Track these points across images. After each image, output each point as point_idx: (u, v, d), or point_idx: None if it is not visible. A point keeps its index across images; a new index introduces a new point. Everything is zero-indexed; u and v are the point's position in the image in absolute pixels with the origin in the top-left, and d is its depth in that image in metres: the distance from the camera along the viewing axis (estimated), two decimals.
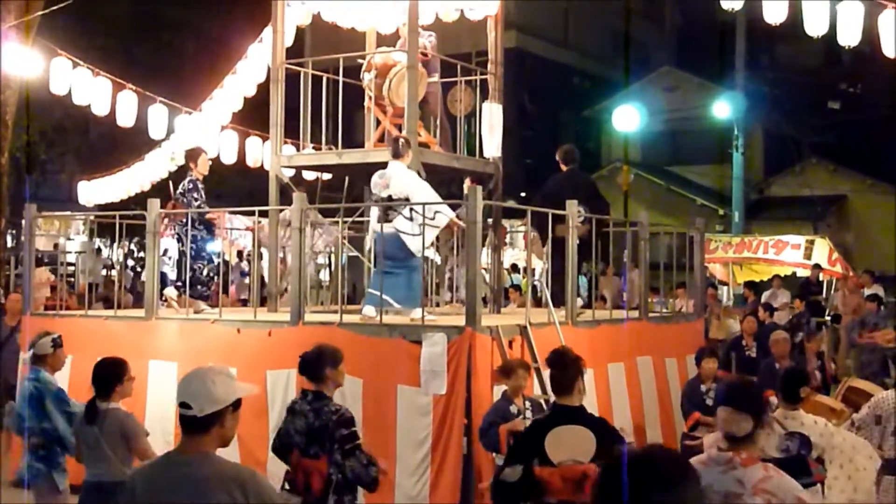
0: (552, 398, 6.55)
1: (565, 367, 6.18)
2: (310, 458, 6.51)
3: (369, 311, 9.89)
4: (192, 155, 11.94)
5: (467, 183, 11.84)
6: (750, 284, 20.74)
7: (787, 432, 6.71)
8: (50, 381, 7.98)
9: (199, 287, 11.51)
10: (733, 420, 4.44)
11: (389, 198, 9.94)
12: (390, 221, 9.90)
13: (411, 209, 9.75)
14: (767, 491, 4.19)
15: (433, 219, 9.77)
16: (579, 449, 5.98)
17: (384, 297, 9.67)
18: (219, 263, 11.86)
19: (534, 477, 5.82)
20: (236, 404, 4.07)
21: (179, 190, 11.65)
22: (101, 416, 6.91)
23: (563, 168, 12.67)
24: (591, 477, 6.14)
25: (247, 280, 13.04)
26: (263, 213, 12.25)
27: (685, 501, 2.82)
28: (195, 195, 11.46)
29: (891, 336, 15.54)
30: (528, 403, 8.25)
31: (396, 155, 10.23)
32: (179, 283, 11.40)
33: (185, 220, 11.14)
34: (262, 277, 13.34)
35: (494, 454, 8.11)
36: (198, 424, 3.98)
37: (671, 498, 2.77)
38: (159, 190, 16.21)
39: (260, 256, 14.22)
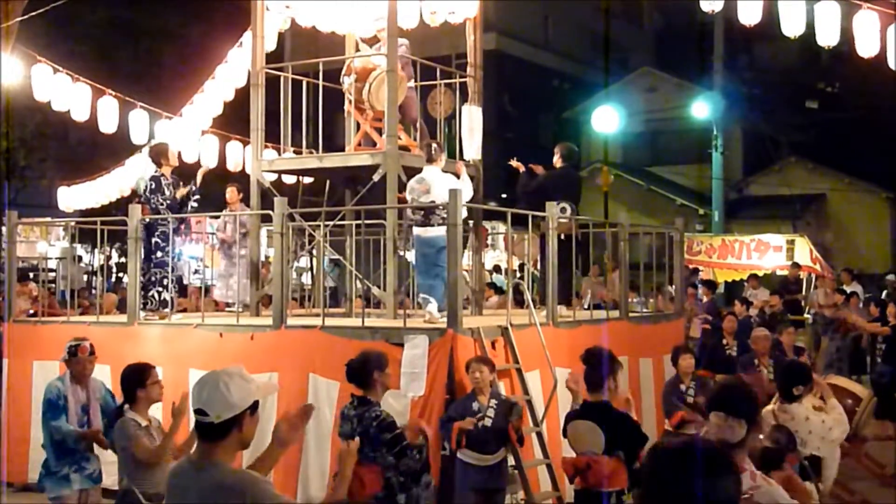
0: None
1: (597, 365, 6.43)
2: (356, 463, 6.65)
3: (434, 308, 9.86)
4: (160, 150, 11.84)
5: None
6: (708, 284, 20.76)
7: (776, 425, 6.82)
8: (49, 390, 7.93)
9: (155, 295, 11.30)
10: (727, 426, 4.27)
11: (432, 202, 9.98)
12: (431, 225, 9.97)
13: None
14: (753, 501, 4.07)
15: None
16: (591, 442, 6.31)
17: (430, 298, 9.81)
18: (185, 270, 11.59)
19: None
20: (254, 406, 3.97)
21: (143, 189, 11.59)
22: (116, 423, 6.93)
23: (560, 164, 12.61)
24: (593, 468, 6.44)
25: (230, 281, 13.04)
26: None
27: (727, 491, 2.88)
28: (158, 195, 11.32)
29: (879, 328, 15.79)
30: (493, 402, 8.31)
31: (430, 160, 10.35)
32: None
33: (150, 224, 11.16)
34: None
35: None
36: (215, 431, 3.90)
37: (715, 487, 2.84)
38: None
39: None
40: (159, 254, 11.24)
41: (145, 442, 6.76)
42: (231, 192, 13.45)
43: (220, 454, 3.92)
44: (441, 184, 10.03)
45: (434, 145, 10.51)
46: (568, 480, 6.50)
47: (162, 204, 11.26)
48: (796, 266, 21.83)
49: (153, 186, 11.40)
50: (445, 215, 9.64)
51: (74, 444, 7.74)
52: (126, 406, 6.90)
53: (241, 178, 13.69)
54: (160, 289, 11.22)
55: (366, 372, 6.84)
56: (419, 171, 10.51)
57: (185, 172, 12.08)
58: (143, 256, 11.19)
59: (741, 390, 4.58)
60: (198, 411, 3.91)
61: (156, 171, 11.52)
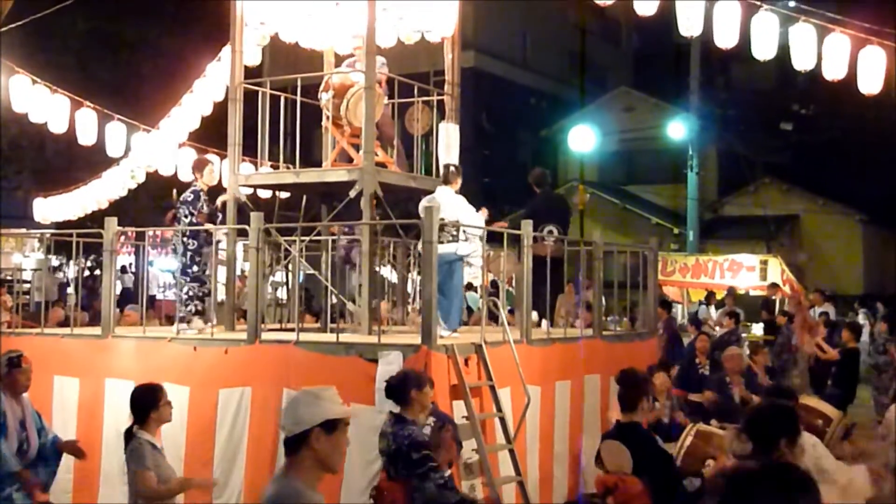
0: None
1: (631, 386, 6.72)
2: (390, 479, 6.74)
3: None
4: (198, 165, 11.83)
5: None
6: (664, 304, 20.78)
7: None
8: None
9: (192, 309, 11.16)
10: (735, 438, 4.42)
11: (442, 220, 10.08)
12: (441, 242, 10.00)
13: (464, 231, 10.13)
14: None
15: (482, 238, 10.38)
16: (620, 462, 6.48)
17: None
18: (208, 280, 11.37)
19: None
20: (329, 426, 4.11)
21: (180, 200, 11.53)
22: (129, 444, 6.88)
23: (537, 191, 12.88)
24: (620, 488, 6.63)
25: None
26: None
27: None
28: (189, 208, 11.17)
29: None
30: (431, 419, 8.31)
31: (446, 181, 10.69)
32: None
33: (180, 233, 11.11)
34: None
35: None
36: (288, 446, 4.15)
37: None
38: (117, 207, 16.19)
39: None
40: (195, 268, 11.16)
41: (151, 479, 6.69)
42: None
43: (293, 469, 4.14)
44: (451, 204, 10.30)
45: (452, 168, 10.85)
46: (599, 498, 6.66)
47: (187, 217, 11.13)
48: (774, 286, 21.99)
49: (190, 198, 11.26)
50: (455, 233, 9.85)
51: (12, 469, 7.56)
52: (136, 427, 6.86)
53: (217, 193, 13.69)
54: (197, 302, 11.16)
55: (404, 390, 6.98)
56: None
57: (182, 188, 12.07)
58: (179, 270, 11.16)
59: (765, 411, 4.72)
60: (281, 426, 4.24)
61: (195, 185, 11.47)
